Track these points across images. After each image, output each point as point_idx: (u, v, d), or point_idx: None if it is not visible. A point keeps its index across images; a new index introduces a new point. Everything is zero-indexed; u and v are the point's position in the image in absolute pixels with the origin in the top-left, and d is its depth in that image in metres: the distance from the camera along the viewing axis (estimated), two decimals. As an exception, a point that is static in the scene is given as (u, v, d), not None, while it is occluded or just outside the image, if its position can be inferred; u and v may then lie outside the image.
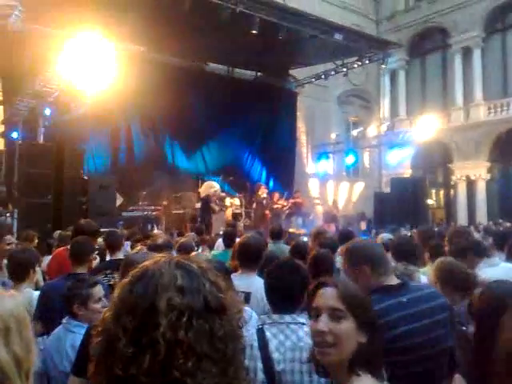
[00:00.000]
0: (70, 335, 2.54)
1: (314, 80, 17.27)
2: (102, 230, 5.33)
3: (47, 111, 10.98)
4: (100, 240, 4.97)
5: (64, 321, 2.66)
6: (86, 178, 10.65)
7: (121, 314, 0.80)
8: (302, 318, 2.02)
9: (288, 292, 2.08)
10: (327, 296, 1.42)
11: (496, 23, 20.31)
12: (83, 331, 2.38)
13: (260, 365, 1.88)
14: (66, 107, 10.89)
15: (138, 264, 0.90)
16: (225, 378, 0.79)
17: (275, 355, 1.90)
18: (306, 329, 1.97)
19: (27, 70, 10.52)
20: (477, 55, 20.46)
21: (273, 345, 1.93)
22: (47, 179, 9.57)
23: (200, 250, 5.96)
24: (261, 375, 1.87)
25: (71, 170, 9.87)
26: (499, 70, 20.14)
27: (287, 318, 2.01)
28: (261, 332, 1.97)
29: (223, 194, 14.23)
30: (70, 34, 9.98)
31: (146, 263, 0.89)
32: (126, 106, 13.04)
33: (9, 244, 4.42)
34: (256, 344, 1.91)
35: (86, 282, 2.68)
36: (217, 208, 13.15)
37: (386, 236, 5.52)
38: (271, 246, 6.26)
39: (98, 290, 2.61)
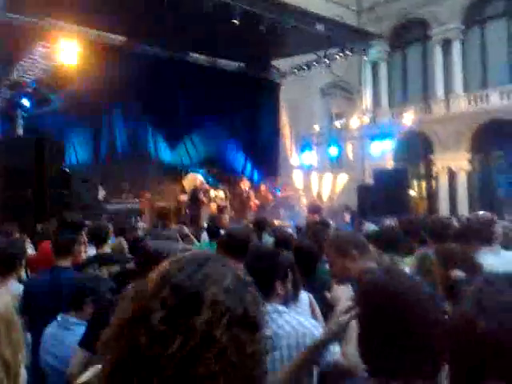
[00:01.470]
0: (69, 334, 2.48)
1: (296, 71, 17.26)
2: (85, 222, 5.29)
3: (26, 102, 10.79)
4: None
5: (59, 318, 2.61)
6: (67, 170, 10.51)
7: (163, 287, 0.78)
8: (282, 307, 2.04)
9: (264, 281, 2.08)
10: None
11: (475, 15, 20.52)
12: (82, 330, 2.34)
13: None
14: (44, 98, 10.71)
15: (166, 253, 0.87)
16: None
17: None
18: (287, 317, 1.99)
19: (3, 59, 10.30)
20: (456, 47, 20.68)
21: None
22: (28, 172, 9.41)
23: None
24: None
25: (52, 163, 9.71)
26: (479, 61, 20.38)
27: (268, 307, 2.02)
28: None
29: (207, 187, 14.21)
30: (48, 24, 9.82)
31: (203, 251, 0.88)
32: (107, 96, 12.87)
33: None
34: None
35: (104, 281, 2.65)
36: (206, 200, 13.15)
37: (370, 226, 5.58)
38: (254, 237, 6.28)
39: (108, 293, 2.56)
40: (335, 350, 1.89)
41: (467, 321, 0.73)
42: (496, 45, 19.74)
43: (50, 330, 2.60)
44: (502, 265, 2.63)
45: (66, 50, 9.66)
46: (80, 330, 2.38)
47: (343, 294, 1.98)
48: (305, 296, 2.84)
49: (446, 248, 3.18)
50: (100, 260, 3.75)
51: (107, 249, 4.16)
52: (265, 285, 2.11)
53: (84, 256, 4.02)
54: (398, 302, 1.32)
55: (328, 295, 2.25)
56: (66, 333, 2.52)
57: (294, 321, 1.97)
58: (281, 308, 2.06)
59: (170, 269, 0.82)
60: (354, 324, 1.88)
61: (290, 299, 2.80)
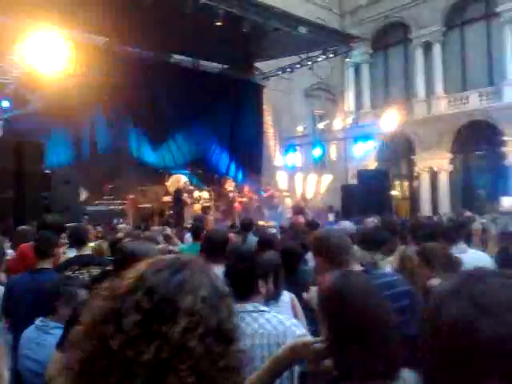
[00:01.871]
0: (49, 337, 2.42)
1: (279, 73, 17.34)
2: (66, 225, 5.22)
3: (5, 103, 10.63)
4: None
5: (38, 322, 2.55)
6: (47, 172, 10.36)
7: (137, 289, 0.75)
8: (264, 306, 2.05)
9: (244, 281, 2.09)
10: None
11: (455, 18, 20.84)
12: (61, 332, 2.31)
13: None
14: (24, 99, 10.56)
15: (143, 254, 0.84)
16: None
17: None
18: (268, 316, 1.99)
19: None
20: (437, 49, 20.97)
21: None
22: (7, 174, 9.26)
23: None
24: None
25: (32, 164, 9.57)
26: (459, 64, 20.69)
27: (248, 306, 2.03)
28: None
29: (191, 188, 14.16)
30: (27, 25, 9.68)
31: (182, 256, 0.85)
32: (88, 97, 12.74)
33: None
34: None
35: (77, 281, 2.61)
36: (189, 201, 13.11)
37: (347, 224, 5.63)
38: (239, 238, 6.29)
39: (84, 294, 2.48)
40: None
41: (464, 322, 0.71)
42: (475, 47, 20.09)
43: (28, 334, 2.55)
44: (471, 263, 2.68)
45: (46, 51, 9.55)
46: (59, 332, 2.34)
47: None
48: (286, 295, 2.85)
49: (428, 247, 3.22)
50: (80, 262, 3.70)
51: (87, 251, 4.11)
52: (246, 284, 2.12)
53: (62, 258, 3.98)
54: (350, 306, 1.37)
55: (305, 295, 2.27)
56: (47, 336, 2.48)
57: (275, 319, 1.98)
58: (262, 307, 2.07)
59: (145, 271, 0.79)
60: None
61: (271, 298, 2.82)
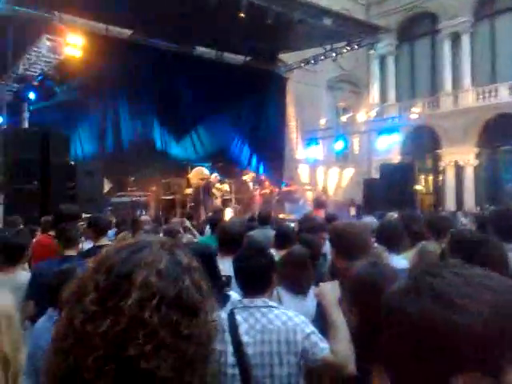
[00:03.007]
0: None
1: (303, 65, 17.18)
2: (87, 215, 5.32)
3: (32, 95, 10.84)
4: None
5: (49, 312, 2.57)
6: (72, 163, 10.56)
7: (99, 270, 0.80)
8: (273, 302, 2.05)
9: (255, 275, 2.09)
10: None
11: (485, 8, 20.26)
12: None
13: (230, 348, 1.91)
14: (50, 91, 10.75)
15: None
16: (178, 378, 0.77)
17: (245, 338, 1.92)
18: (277, 312, 2.00)
19: (10, 52, 10.35)
20: (465, 41, 20.45)
21: (243, 328, 1.95)
22: (33, 165, 9.47)
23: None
24: (231, 358, 1.90)
25: (57, 156, 9.76)
26: (488, 55, 20.15)
27: (258, 301, 2.03)
28: (231, 316, 1.99)
29: (213, 180, 14.21)
30: (54, 17, 9.83)
31: (144, 237, 0.90)
32: (112, 90, 12.91)
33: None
34: (227, 327, 1.94)
35: (75, 273, 2.62)
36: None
37: (367, 219, 5.57)
38: (258, 231, 6.28)
39: None
40: (324, 347, 1.90)
41: (430, 319, 0.71)
42: (505, 39, 19.49)
43: (42, 324, 2.53)
44: None
45: (72, 43, 9.68)
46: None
47: (330, 290, 1.98)
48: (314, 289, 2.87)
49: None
50: (98, 252, 3.77)
51: (105, 241, 4.17)
52: (261, 280, 2.12)
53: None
54: (382, 294, 1.35)
55: (315, 290, 2.26)
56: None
57: (284, 316, 1.98)
58: (271, 302, 2.08)
59: (108, 253, 0.84)
60: (340, 321, 1.89)
61: (299, 292, 2.83)
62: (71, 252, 3.60)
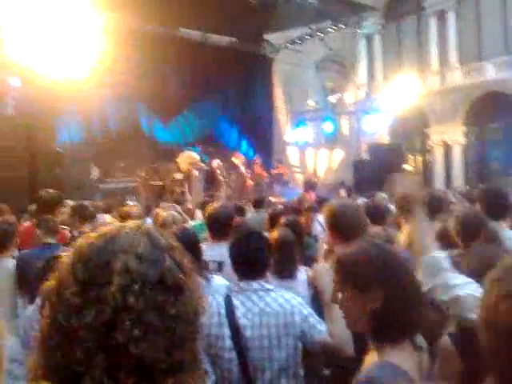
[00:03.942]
0: None
1: (289, 45, 17.02)
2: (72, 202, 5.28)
3: (16, 82, 10.61)
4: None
5: (38, 301, 2.58)
6: (60, 150, 10.42)
7: (76, 262, 0.79)
8: (270, 285, 2.04)
9: (252, 259, 2.08)
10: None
11: (471, -15, 20.15)
12: None
13: (227, 332, 1.90)
14: (35, 78, 10.52)
15: None
16: (169, 358, 0.77)
17: (243, 321, 1.92)
18: (274, 294, 1.99)
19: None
20: (451, 18, 20.36)
21: (240, 312, 1.94)
22: (21, 153, 9.35)
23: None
24: (228, 342, 1.90)
25: (44, 143, 9.64)
26: (474, 33, 20.09)
27: (255, 285, 2.03)
28: (228, 299, 1.98)
29: (202, 165, 14.11)
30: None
31: (118, 224, 0.89)
32: (96, 74, 12.64)
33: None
34: (223, 311, 1.93)
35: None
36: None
37: (360, 201, 5.61)
38: (253, 214, 6.32)
39: None
40: (321, 329, 1.90)
41: None
42: (491, 16, 19.43)
43: (32, 313, 2.48)
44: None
45: (56, 27, 9.45)
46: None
47: (324, 273, 1.98)
48: (303, 273, 2.86)
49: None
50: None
51: (89, 227, 4.16)
52: (257, 264, 2.11)
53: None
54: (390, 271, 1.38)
55: (310, 274, 2.25)
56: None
57: (281, 299, 1.98)
58: (267, 285, 2.07)
59: (82, 245, 0.83)
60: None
61: (286, 276, 2.83)
62: (51, 240, 3.61)
